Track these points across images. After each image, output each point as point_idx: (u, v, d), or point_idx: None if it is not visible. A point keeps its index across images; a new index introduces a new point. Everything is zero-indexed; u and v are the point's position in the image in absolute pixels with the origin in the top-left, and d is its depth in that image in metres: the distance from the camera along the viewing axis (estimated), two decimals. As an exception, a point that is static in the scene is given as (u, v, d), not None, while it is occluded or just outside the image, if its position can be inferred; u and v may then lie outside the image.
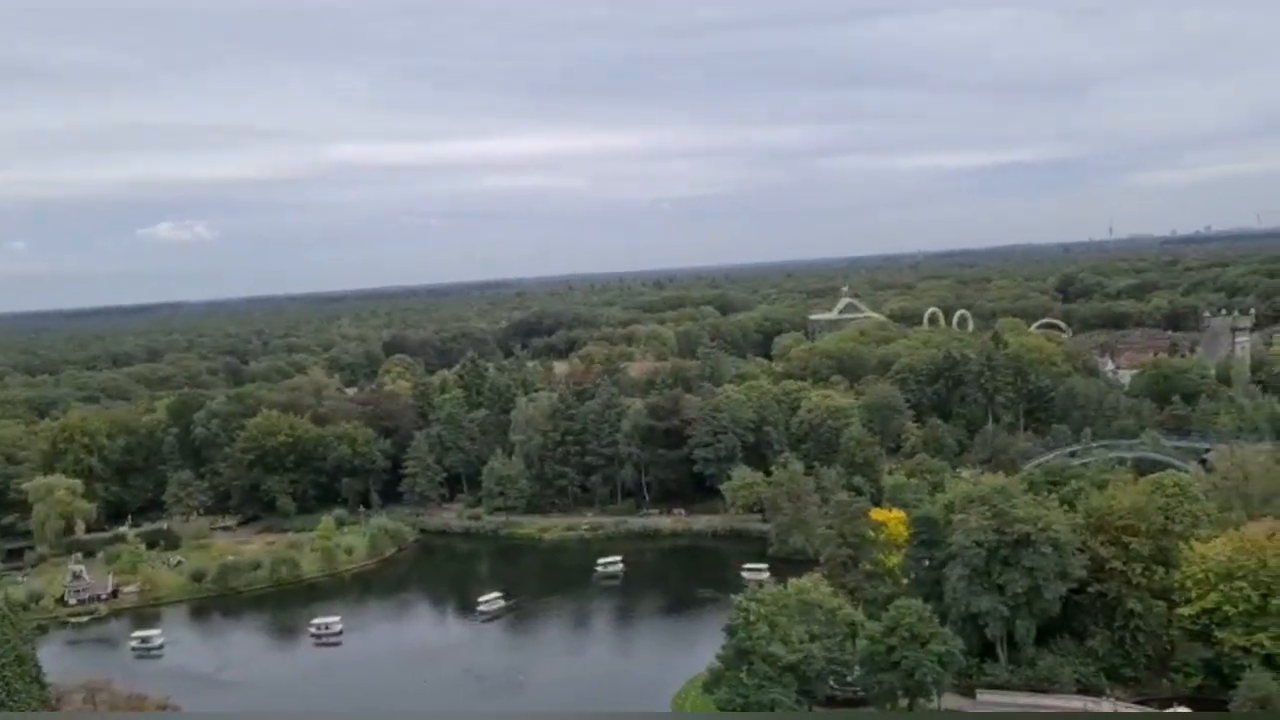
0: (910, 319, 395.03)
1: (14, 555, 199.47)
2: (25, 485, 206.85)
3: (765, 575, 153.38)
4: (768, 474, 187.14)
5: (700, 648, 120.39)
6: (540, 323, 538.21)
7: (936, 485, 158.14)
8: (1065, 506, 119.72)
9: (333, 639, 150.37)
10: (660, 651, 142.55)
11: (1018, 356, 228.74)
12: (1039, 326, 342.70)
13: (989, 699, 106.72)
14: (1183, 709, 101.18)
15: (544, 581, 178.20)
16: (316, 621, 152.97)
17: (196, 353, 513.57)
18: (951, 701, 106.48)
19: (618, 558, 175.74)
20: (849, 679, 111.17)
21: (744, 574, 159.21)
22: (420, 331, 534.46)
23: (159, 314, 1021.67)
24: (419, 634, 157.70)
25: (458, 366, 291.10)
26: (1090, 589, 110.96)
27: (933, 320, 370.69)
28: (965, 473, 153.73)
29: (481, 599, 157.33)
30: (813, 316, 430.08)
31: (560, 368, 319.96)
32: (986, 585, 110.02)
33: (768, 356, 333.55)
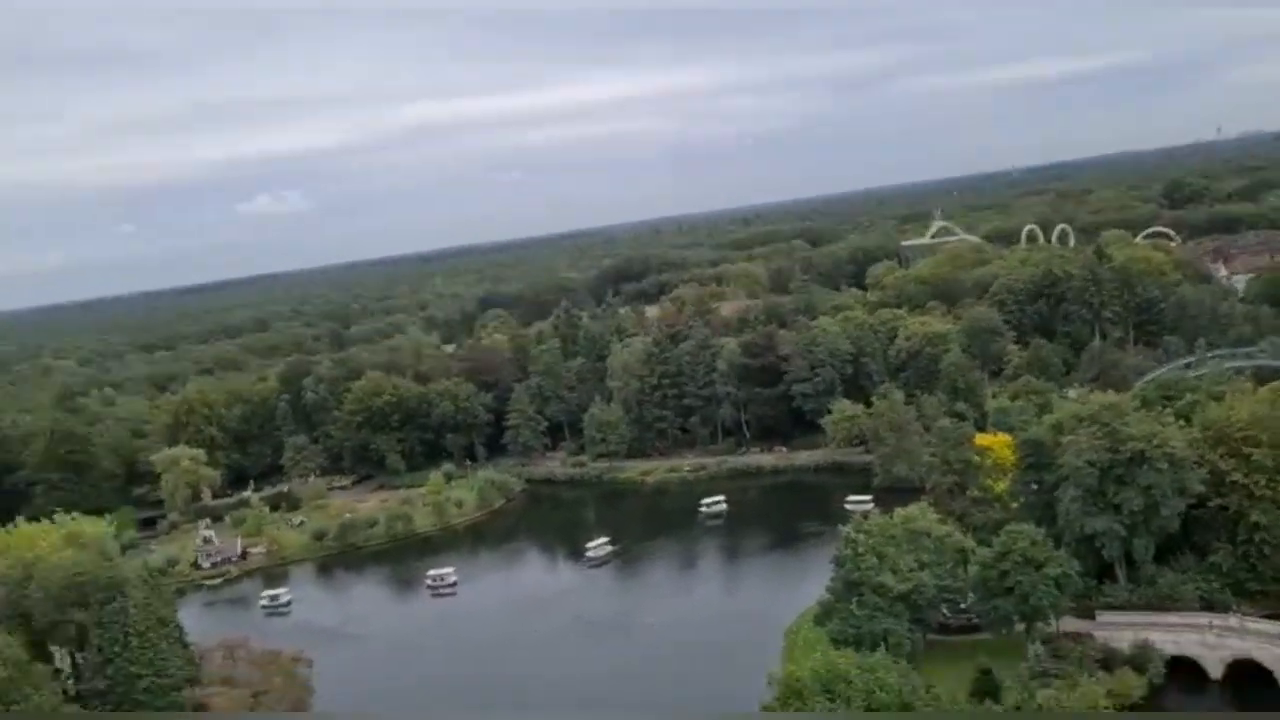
0: (1008, 239, 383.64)
1: (147, 524, 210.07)
2: (153, 457, 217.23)
3: (869, 506, 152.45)
4: (868, 405, 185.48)
5: (809, 582, 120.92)
6: (629, 268, 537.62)
7: (1043, 407, 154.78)
8: (1180, 421, 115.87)
9: (448, 589, 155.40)
10: (769, 587, 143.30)
11: (1123, 269, 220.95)
12: (1145, 236, 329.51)
13: (1109, 619, 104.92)
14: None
15: (649, 524, 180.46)
16: (432, 573, 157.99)
17: (301, 320, 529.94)
18: (1070, 624, 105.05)
19: (720, 497, 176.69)
20: (963, 606, 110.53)
21: (847, 506, 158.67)
22: (513, 285, 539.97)
23: (263, 285, 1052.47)
24: (530, 582, 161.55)
25: (552, 317, 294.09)
26: (1211, 504, 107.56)
27: (1031, 238, 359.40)
28: (1072, 393, 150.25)
29: (589, 545, 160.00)
30: (905, 243, 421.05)
31: (652, 312, 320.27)
32: (1101, 505, 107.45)
33: (861, 287, 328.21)
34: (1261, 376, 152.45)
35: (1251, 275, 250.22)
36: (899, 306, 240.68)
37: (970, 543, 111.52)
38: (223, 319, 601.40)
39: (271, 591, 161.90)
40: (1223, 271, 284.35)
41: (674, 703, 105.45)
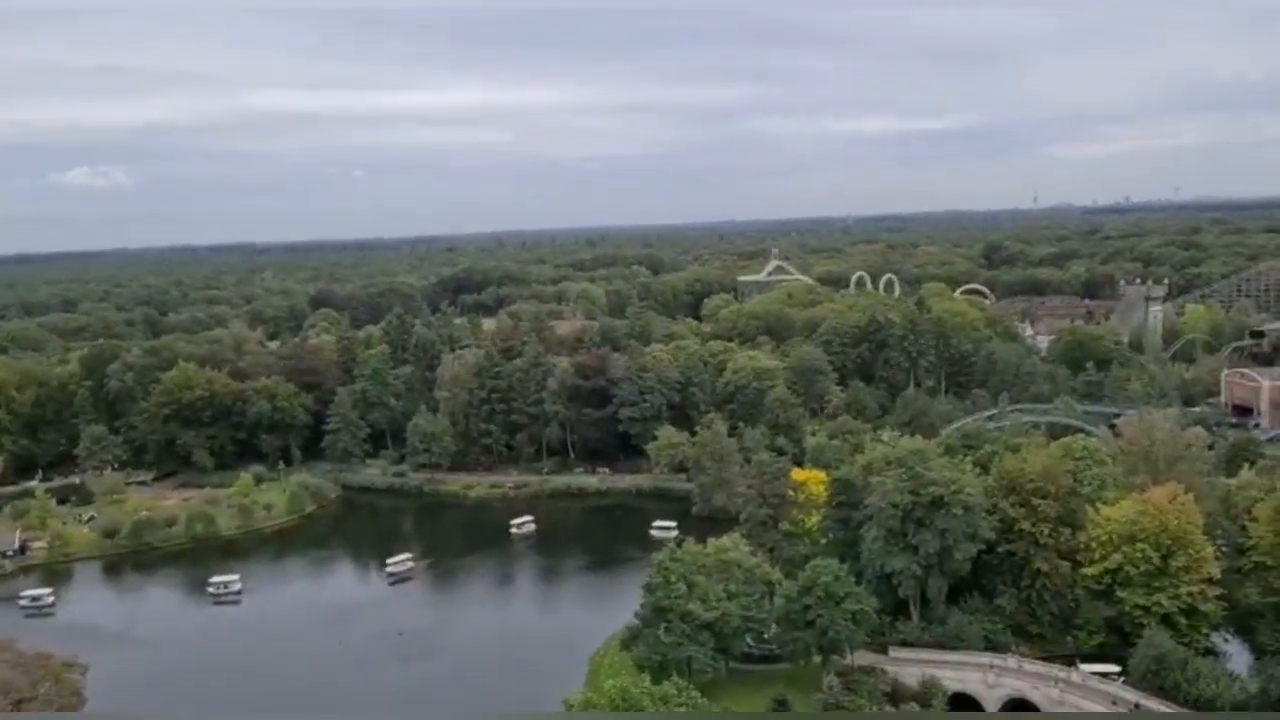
0: (838, 282, 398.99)
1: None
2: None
3: (674, 533, 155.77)
4: (693, 434, 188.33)
5: (619, 606, 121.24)
6: (469, 279, 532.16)
7: (857, 447, 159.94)
8: (979, 469, 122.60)
9: (231, 597, 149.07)
10: (577, 610, 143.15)
11: (941, 321, 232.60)
12: (963, 292, 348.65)
13: (901, 655, 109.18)
14: (1089, 667, 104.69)
15: (463, 540, 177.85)
16: (215, 580, 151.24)
17: (113, 303, 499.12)
18: (864, 658, 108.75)
19: (529, 518, 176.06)
20: (766, 636, 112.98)
21: (653, 532, 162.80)
22: (347, 286, 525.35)
23: (74, 262, 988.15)
24: (323, 594, 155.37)
25: (384, 322, 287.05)
26: (1000, 549, 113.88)
27: (860, 284, 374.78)
28: (886, 435, 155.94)
29: (390, 560, 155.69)
30: (742, 278, 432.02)
31: (489, 325, 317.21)
32: (901, 545, 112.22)
33: (697, 317, 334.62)
34: (1054, 432, 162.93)
35: (1053, 336, 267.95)
36: (731, 339, 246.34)
37: (778, 575, 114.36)
38: (24, 294, 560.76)
39: (32, 591, 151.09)
40: (1029, 331, 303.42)
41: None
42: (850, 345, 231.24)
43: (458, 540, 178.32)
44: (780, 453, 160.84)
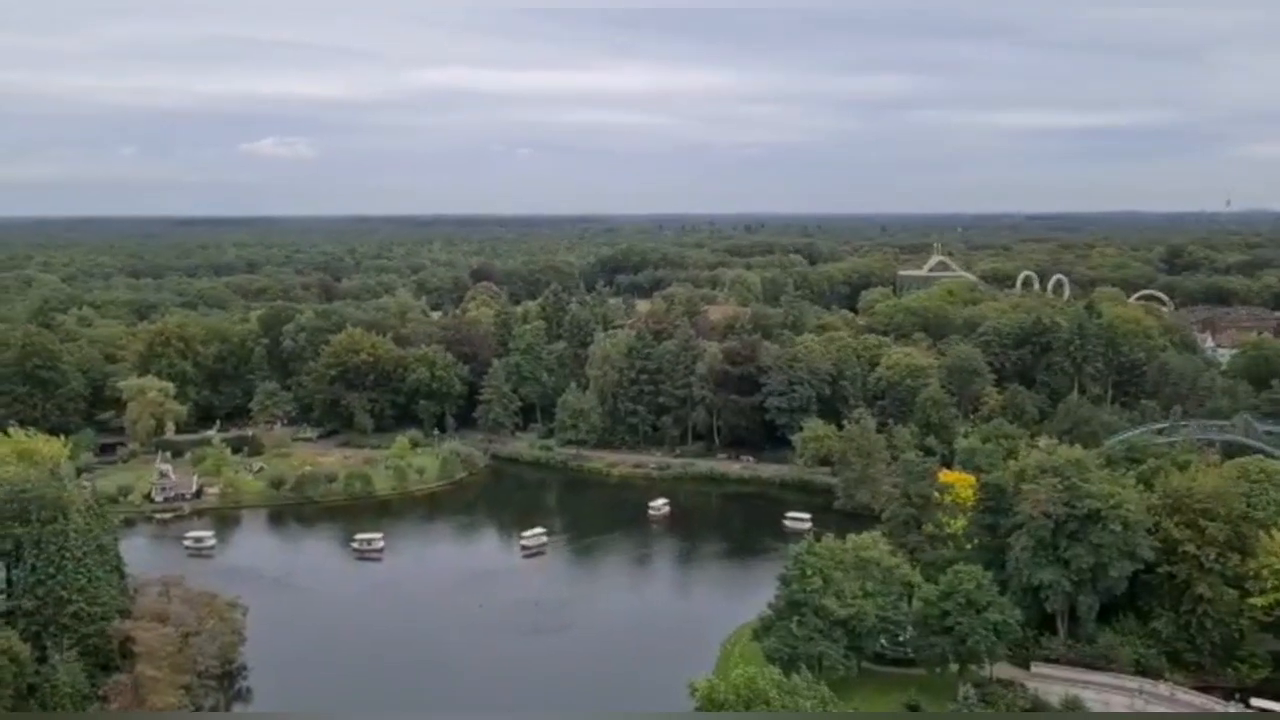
0: (1003, 281, 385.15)
1: (107, 450, 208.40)
2: (122, 384, 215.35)
3: (808, 525, 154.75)
4: (840, 427, 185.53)
5: (754, 595, 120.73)
6: (627, 260, 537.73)
7: (1011, 452, 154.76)
8: (1142, 485, 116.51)
9: (374, 555, 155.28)
10: (709, 596, 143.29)
11: (1111, 327, 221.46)
12: (1139, 298, 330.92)
13: (1043, 671, 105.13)
14: (1260, 703, 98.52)
15: (600, 517, 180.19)
16: (359, 536, 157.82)
17: (292, 267, 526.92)
18: (1005, 671, 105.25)
19: (665, 500, 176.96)
20: (901, 639, 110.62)
21: (786, 522, 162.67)
22: (508, 261, 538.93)
23: (259, 227, 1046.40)
24: (459, 559, 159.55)
25: (541, 298, 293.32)
26: (1160, 570, 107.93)
27: (1026, 284, 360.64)
28: (1043, 442, 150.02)
29: (525, 533, 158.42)
30: (902, 272, 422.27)
31: (643, 306, 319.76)
32: (1051, 558, 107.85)
33: (853, 309, 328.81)
34: (1229, 451, 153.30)
35: (1237, 350, 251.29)
36: (886, 334, 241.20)
37: (918, 577, 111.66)
38: (214, 255, 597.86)
39: (195, 533, 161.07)
40: (1209, 342, 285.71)
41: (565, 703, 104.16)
42: (1011, 347, 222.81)
43: (595, 517, 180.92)
44: (929, 453, 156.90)
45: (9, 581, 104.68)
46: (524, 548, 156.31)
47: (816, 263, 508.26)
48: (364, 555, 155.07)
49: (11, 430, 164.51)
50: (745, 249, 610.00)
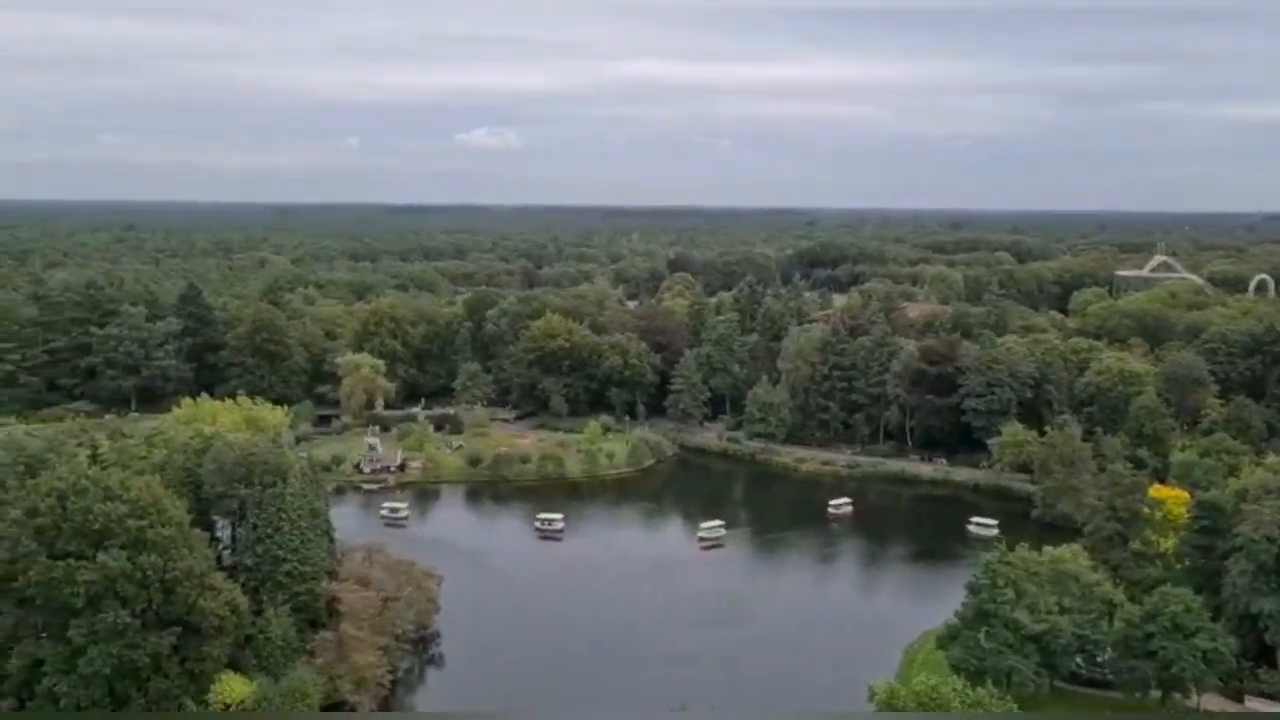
0: (1234, 285, 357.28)
1: (323, 421, 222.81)
2: (338, 359, 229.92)
3: (994, 532, 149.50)
4: (1042, 433, 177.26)
5: (936, 601, 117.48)
6: (825, 254, 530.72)
7: (1233, 469, 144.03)
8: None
9: (554, 534, 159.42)
10: (890, 599, 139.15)
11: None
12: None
13: (1258, 706, 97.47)
14: None
15: (782, 513, 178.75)
16: (541, 516, 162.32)
17: (498, 254, 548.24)
18: (1213, 703, 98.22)
19: (847, 499, 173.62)
20: (1099, 660, 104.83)
21: (970, 527, 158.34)
22: (705, 252, 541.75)
23: (468, 214, 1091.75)
24: (637, 545, 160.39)
25: (735, 290, 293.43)
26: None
27: (1260, 288, 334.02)
28: (1271, 459, 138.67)
29: (703, 525, 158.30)
30: (1119, 273, 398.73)
31: (839, 301, 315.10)
32: (1273, 585, 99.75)
33: (1063, 311, 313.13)
34: None
35: None
36: (1098, 338, 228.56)
37: (1120, 596, 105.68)
38: (425, 241, 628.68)
39: (391, 504, 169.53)
40: None
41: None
42: (1239, 356, 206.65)
43: (777, 512, 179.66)
44: (1140, 465, 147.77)
45: (233, 539, 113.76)
46: (701, 539, 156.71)
47: (1025, 261, 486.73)
48: (545, 534, 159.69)
49: (241, 399, 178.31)
50: (949, 245, 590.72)
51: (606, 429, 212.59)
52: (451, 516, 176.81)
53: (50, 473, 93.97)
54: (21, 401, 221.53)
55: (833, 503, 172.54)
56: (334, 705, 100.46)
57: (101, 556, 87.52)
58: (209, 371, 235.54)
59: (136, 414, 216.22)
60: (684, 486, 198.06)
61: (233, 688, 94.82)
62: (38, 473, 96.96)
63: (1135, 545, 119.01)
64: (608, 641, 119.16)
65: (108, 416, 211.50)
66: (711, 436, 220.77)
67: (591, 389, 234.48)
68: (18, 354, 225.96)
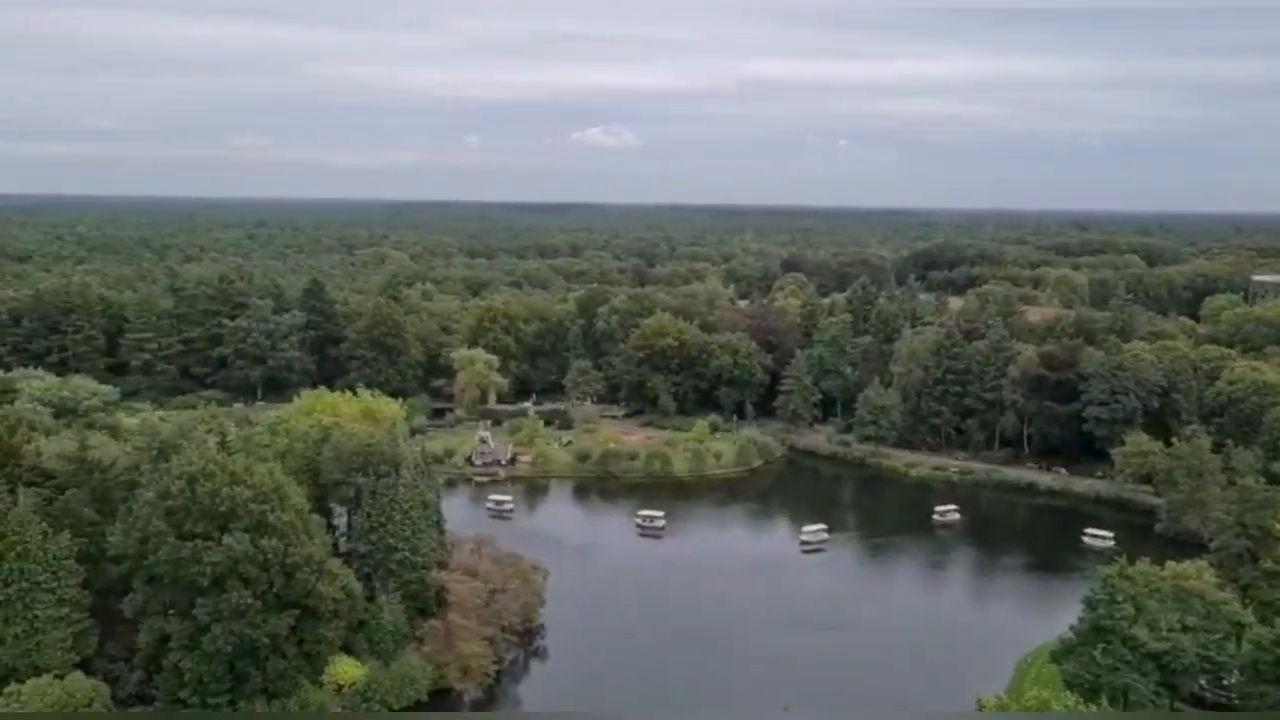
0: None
1: (437, 414, 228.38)
2: (453, 354, 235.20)
3: (1109, 544, 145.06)
4: (1168, 444, 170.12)
5: (1049, 614, 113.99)
6: (941, 255, 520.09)
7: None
8: None
9: (655, 532, 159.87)
10: (1000, 611, 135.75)
11: None
12: None
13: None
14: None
15: (888, 518, 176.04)
16: (642, 513, 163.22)
17: (611, 251, 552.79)
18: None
19: (954, 506, 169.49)
20: (1225, 682, 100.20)
21: (1085, 539, 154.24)
22: (818, 252, 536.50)
23: (583, 212, 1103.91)
24: (738, 545, 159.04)
25: (849, 291, 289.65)
26: None
27: None
28: None
29: (805, 528, 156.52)
30: (1257, 277, 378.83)
31: (955, 303, 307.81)
32: None
33: (1194, 317, 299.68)
34: None
35: None
36: (1231, 345, 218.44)
37: (1249, 617, 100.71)
38: (540, 238, 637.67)
39: (497, 496, 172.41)
40: None
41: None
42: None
43: (883, 518, 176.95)
44: (1273, 480, 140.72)
45: (349, 526, 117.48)
46: (803, 543, 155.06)
47: (1155, 264, 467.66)
48: (646, 532, 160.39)
49: (359, 391, 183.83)
50: (1073, 247, 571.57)
51: (714, 428, 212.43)
52: (556, 511, 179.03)
53: (181, 457, 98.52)
54: (157, 389, 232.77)
55: (938, 509, 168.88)
56: (440, 692, 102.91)
57: (227, 539, 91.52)
58: (330, 364, 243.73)
59: (262, 403, 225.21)
60: (790, 488, 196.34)
61: (346, 670, 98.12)
62: (169, 457, 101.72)
63: (1267, 564, 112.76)
64: (706, 641, 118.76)
65: (236, 405, 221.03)
66: (821, 439, 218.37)
67: (700, 388, 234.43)
68: (155, 344, 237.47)
